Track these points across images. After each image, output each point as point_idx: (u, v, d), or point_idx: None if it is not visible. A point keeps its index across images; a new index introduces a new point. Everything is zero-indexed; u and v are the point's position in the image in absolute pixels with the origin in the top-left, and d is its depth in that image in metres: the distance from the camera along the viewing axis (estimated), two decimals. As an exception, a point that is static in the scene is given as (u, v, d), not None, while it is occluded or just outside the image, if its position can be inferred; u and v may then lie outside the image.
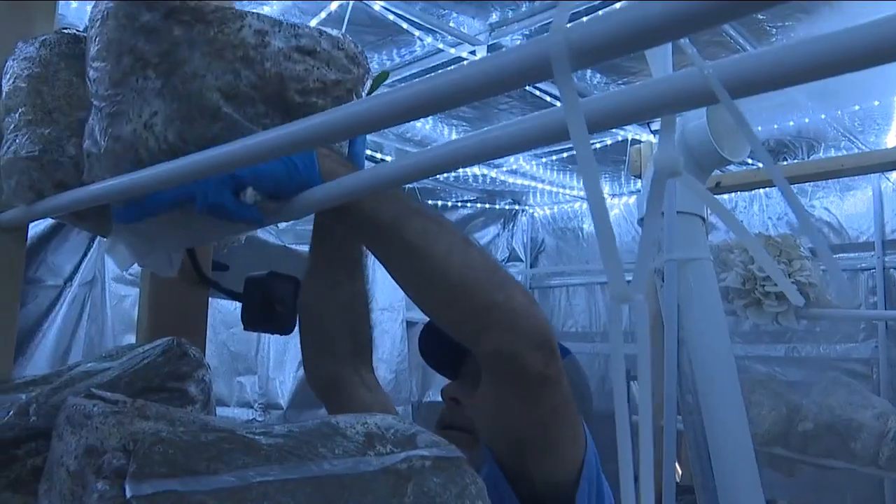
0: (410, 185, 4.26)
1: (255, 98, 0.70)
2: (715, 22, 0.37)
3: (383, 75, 0.95)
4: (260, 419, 3.46)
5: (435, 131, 3.33)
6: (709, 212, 1.74)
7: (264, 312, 1.18)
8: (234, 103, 0.69)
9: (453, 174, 4.02)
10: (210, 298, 1.25)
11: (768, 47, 0.39)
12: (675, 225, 1.54)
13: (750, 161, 3.15)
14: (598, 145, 3.40)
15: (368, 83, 0.82)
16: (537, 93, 2.70)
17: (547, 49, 0.39)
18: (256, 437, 0.60)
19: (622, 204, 4.69)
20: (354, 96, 0.80)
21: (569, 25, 0.39)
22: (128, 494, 0.52)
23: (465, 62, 2.36)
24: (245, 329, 1.25)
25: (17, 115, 0.91)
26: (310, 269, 1.06)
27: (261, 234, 3.08)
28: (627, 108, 0.40)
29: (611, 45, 0.38)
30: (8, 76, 0.94)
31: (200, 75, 0.68)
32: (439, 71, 2.62)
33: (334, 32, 0.79)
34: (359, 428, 0.64)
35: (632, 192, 4.56)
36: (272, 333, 1.21)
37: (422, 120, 3.25)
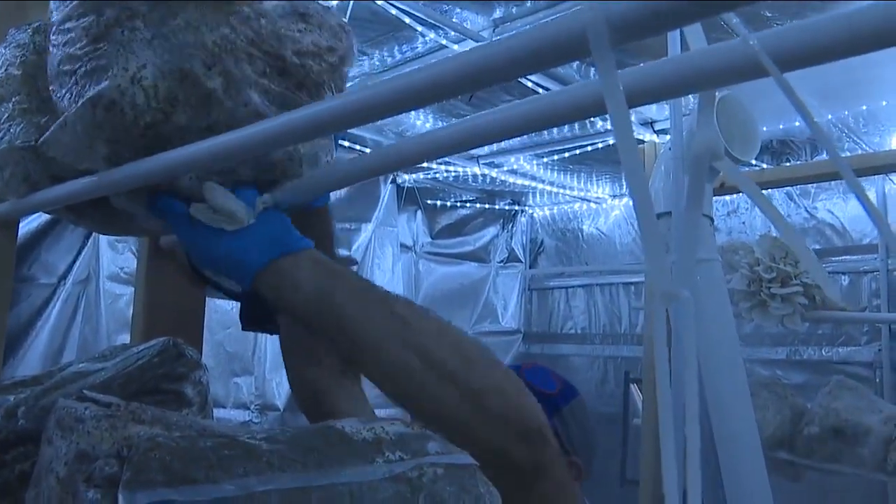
0: (409, 185, 4.23)
1: (252, 54, 0.66)
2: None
3: None
4: (257, 421, 3.43)
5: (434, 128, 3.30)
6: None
7: (263, 312, 1.14)
8: (232, 57, 0.65)
9: (453, 173, 3.99)
10: (206, 298, 1.22)
11: (818, 17, 0.35)
12: (681, 224, 1.50)
13: (754, 162, 3.13)
14: (600, 145, 3.37)
15: (356, 61, 0.80)
16: (540, 91, 2.67)
17: (584, 23, 0.36)
18: (258, 442, 0.56)
19: (623, 205, 4.66)
20: (346, 67, 0.77)
21: None
22: (121, 504, 0.49)
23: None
24: (243, 329, 1.22)
25: (10, 105, 0.88)
26: None
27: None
28: (669, 81, 0.37)
29: (653, 18, 0.35)
30: (-1, 63, 0.91)
31: (194, 26, 0.63)
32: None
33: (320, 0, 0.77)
34: (366, 433, 0.61)
35: (632, 194, 4.53)
36: (271, 334, 1.18)
37: (420, 117, 3.22)
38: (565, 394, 1.17)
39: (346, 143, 3.49)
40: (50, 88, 0.72)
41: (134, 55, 0.63)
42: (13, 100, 0.86)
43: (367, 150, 3.56)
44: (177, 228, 0.70)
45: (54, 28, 0.69)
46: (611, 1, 0.35)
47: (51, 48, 0.70)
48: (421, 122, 3.25)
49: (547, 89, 2.66)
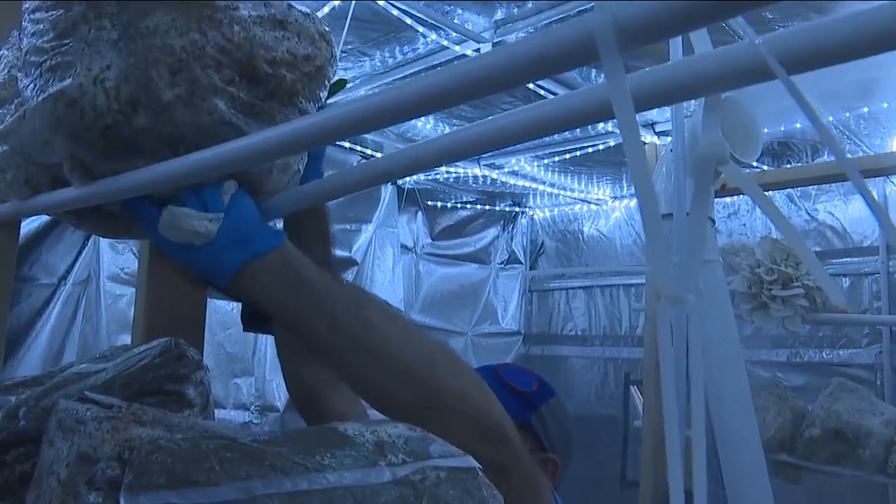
0: (410, 187, 4.22)
1: (221, 61, 0.65)
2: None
3: (341, 83, 0.90)
4: (256, 422, 3.42)
5: (436, 131, 3.30)
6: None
7: (265, 313, 1.14)
8: (199, 64, 0.64)
9: (453, 175, 3.99)
10: (207, 299, 1.21)
11: (826, 19, 0.35)
12: (687, 227, 1.51)
13: (754, 164, 3.13)
14: (600, 146, 3.37)
15: (335, 70, 0.79)
16: (542, 92, 2.67)
17: (591, 28, 0.35)
18: (260, 445, 0.56)
19: (623, 207, 4.66)
20: (324, 76, 0.76)
21: (615, 1, 0.36)
22: (122, 508, 0.48)
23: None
24: (245, 330, 1.21)
25: (13, 107, 0.87)
26: None
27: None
28: (677, 85, 0.37)
29: (664, 23, 0.34)
30: (2, 66, 0.90)
31: (163, 30, 0.62)
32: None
33: (303, 8, 0.76)
34: (368, 436, 0.60)
35: (633, 195, 4.53)
36: (273, 335, 1.18)
37: (422, 119, 3.22)
38: (542, 393, 1.18)
39: (347, 144, 3.48)
40: (17, 75, 0.71)
41: (99, 55, 0.62)
42: (16, 101, 0.85)
43: (368, 151, 3.56)
44: (149, 233, 0.70)
45: (26, 15, 0.68)
46: (619, 1, 0.34)
47: (21, 35, 0.69)
48: (422, 123, 3.24)
49: (548, 89, 2.66)
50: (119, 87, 0.62)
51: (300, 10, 0.75)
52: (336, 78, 0.84)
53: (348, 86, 2.74)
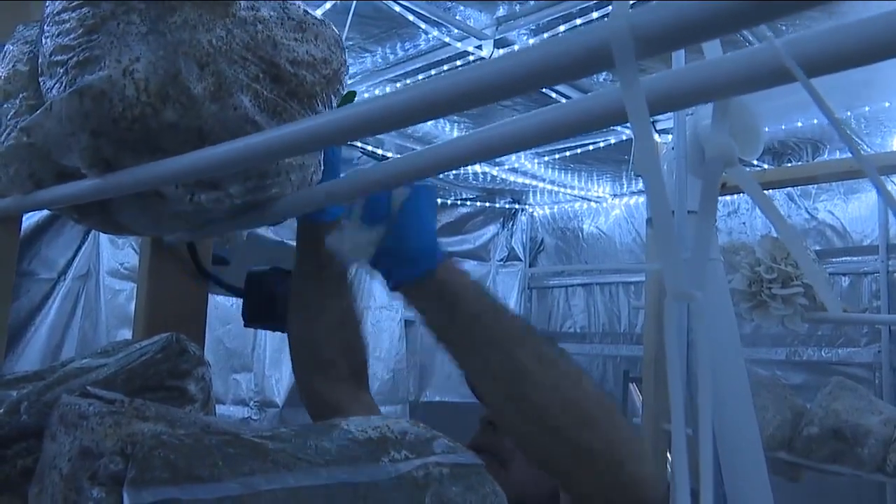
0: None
1: (247, 58, 0.66)
2: (800, 7, 0.33)
3: (350, 95, 0.91)
4: (255, 417, 3.42)
5: (436, 127, 3.29)
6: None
7: (266, 308, 1.14)
8: (226, 59, 0.65)
9: (453, 171, 3.98)
10: (208, 294, 1.21)
11: (847, 22, 0.35)
12: (694, 228, 1.51)
13: (755, 162, 3.12)
14: (601, 144, 3.36)
15: (346, 76, 0.80)
16: (544, 90, 2.66)
17: (607, 36, 0.35)
18: (263, 440, 0.56)
19: (623, 204, 4.66)
20: (339, 81, 0.77)
21: (631, 10, 0.35)
22: (126, 502, 0.48)
23: (515, 48, 2.31)
24: (246, 325, 1.22)
25: (17, 101, 0.87)
26: (295, 288, 1.01)
27: (259, 229, 3.04)
28: (692, 89, 0.36)
29: (682, 31, 0.34)
30: (6, 60, 0.90)
31: (191, 25, 0.64)
32: (445, 66, 2.59)
33: (317, 13, 0.77)
34: (371, 433, 0.60)
35: (633, 193, 4.53)
36: (273, 330, 1.18)
37: (424, 116, 3.21)
38: None
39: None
40: (40, 79, 0.72)
41: (128, 48, 0.63)
42: (21, 96, 0.85)
43: (369, 147, 3.56)
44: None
45: (49, 18, 0.69)
46: (635, 9, 0.34)
47: (43, 38, 0.70)
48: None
49: (554, 90, 2.65)
50: (148, 80, 0.62)
51: (315, 16, 0.76)
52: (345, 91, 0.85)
53: (349, 81, 2.73)
